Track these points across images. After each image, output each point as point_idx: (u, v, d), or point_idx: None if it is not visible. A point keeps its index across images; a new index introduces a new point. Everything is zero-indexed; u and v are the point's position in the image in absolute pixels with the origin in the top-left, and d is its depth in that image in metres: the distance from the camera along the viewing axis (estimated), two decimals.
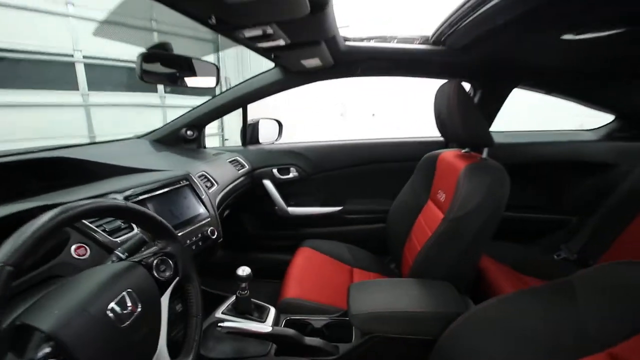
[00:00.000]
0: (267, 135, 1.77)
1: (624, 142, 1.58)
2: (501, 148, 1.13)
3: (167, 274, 0.61)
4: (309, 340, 0.87)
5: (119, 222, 0.74)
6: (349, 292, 0.92)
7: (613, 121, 1.66)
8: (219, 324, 0.85)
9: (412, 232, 1.22)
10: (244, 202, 1.61)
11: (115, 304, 0.48)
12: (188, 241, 0.90)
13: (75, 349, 0.41)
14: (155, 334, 0.54)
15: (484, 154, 1.05)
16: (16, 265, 0.37)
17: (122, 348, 0.47)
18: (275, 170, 1.62)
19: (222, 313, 0.97)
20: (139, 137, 1.50)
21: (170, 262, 0.62)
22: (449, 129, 1.05)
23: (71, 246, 0.65)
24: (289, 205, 1.63)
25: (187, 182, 1.01)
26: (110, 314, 0.46)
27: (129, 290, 0.51)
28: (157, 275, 0.58)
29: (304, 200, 1.67)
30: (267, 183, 1.61)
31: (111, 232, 0.72)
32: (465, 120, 0.96)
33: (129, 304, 0.49)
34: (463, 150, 1.15)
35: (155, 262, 0.59)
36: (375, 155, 1.66)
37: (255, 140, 1.73)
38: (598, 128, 1.70)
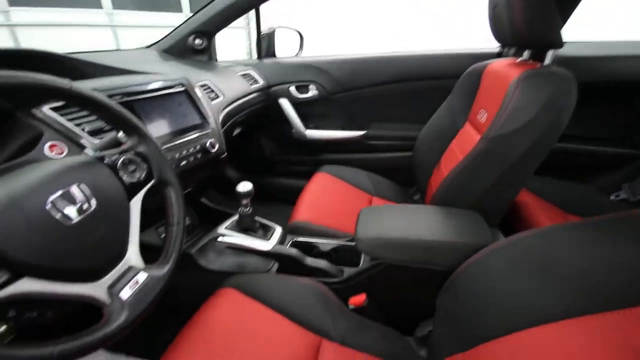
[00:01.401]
0: (285, 48, 1.57)
1: None
2: (565, 62, 0.86)
3: (138, 175, 0.53)
4: (312, 261, 0.82)
5: (101, 122, 0.67)
6: (358, 216, 0.82)
7: None
8: (219, 238, 0.81)
9: (441, 160, 1.06)
10: (259, 121, 1.49)
11: (60, 196, 0.41)
12: (185, 151, 0.82)
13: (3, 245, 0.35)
14: (119, 239, 0.48)
15: (547, 60, 0.81)
16: None
17: (69, 249, 0.41)
18: (292, 88, 1.45)
19: (225, 228, 0.93)
20: (147, 47, 1.39)
21: (143, 163, 0.54)
22: (507, 25, 0.80)
23: (45, 143, 0.60)
24: (307, 127, 1.50)
25: (184, 88, 0.90)
26: (52, 210, 0.40)
27: (80, 184, 0.43)
28: (124, 177, 0.51)
29: (324, 122, 1.52)
30: (284, 102, 1.46)
31: (93, 133, 0.65)
32: (530, 7, 0.71)
33: (80, 198, 0.42)
34: (520, 59, 0.91)
35: (121, 160, 0.51)
36: (409, 71, 1.41)
37: (272, 53, 1.54)
38: None
